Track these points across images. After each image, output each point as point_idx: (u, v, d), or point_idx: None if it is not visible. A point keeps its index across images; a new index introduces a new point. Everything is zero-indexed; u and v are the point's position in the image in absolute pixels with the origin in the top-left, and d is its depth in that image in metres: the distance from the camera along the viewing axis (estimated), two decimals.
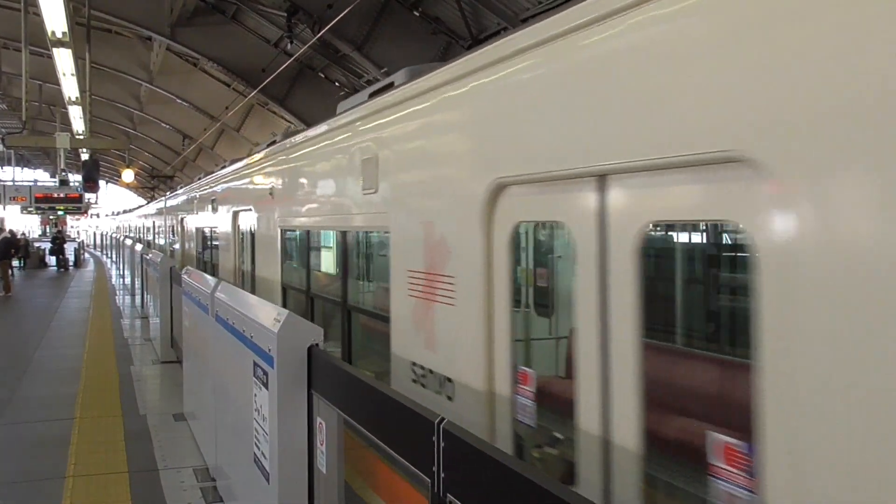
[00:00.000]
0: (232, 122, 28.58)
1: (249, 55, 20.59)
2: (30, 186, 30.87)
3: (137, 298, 16.63)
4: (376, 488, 3.89)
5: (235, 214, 9.34)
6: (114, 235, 37.30)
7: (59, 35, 10.59)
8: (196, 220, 13.24)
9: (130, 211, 41.28)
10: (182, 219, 15.58)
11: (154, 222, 23.11)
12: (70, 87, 14.26)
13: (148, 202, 37.52)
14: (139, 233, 29.28)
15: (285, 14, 17.06)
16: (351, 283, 5.34)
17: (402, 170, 4.09)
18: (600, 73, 2.41)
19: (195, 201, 13.21)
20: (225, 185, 10.19)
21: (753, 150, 1.84)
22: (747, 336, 1.93)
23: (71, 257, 33.19)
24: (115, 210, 58.19)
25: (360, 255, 5.54)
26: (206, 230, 12.06)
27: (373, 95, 4.78)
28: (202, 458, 5.94)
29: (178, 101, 27.82)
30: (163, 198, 21.80)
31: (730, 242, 2.69)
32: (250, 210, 8.26)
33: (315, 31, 16.25)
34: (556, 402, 2.80)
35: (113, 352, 11.18)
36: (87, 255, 43.06)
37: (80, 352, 11.14)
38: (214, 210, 10.89)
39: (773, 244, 1.82)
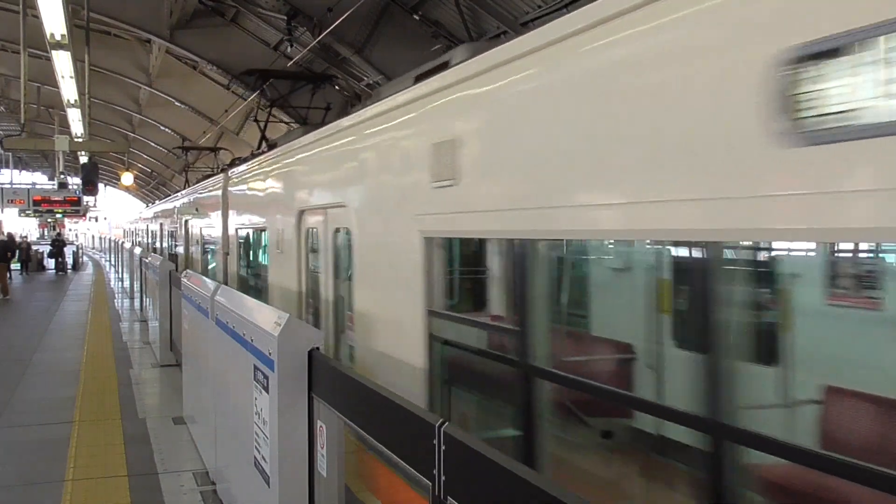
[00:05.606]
0: (231, 124, 28.58)
1: (249, 58, 20.58)
2: (28, 189, 30.86)
3: (136, 302, 16.61)
4: (376, 491, 3.89)
5: None
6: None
7: (58, 37, 10.57)
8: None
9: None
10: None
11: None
12: (69, 89, 14.24)
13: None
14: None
15: (285, 17, 17.08)
16: None
17: None
18: None
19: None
20: None
21: None
22: None
23: (69, 260, 33.22)
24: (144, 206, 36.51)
25: None
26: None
27: None
28: (202, 462, 5.94)
29: (178, 103, 27.82)
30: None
31: None
32: None
33: (315, 35, 16.26)
34: None
35: (112, 355, 11.16)
36: (85, 257, 43.11)
37: (79, 354, 11.12)
38: None
39: None
